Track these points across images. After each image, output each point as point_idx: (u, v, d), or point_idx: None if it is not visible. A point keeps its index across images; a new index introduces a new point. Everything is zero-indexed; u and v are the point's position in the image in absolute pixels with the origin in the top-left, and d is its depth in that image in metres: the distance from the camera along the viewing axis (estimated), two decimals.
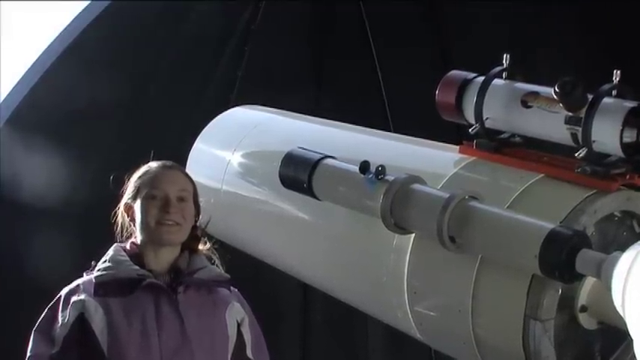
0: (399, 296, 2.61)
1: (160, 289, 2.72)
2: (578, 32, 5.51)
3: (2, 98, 5.29)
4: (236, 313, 2.85)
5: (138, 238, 2.81)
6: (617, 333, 2.21)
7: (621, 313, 1.93)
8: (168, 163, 2.90)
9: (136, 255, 2.78)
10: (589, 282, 2.25)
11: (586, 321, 2.29)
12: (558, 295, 2.24)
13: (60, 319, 2.66)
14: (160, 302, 2.70)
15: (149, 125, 5.59)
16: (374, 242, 2.71)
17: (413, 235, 2.54)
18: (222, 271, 2.89)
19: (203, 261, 2.85)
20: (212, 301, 2.81)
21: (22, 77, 5.34)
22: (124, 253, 2.78)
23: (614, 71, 2.31)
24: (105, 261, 2.77)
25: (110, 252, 2.80)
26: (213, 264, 2.90)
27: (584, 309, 2.28)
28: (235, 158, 3.40)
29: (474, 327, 2.40)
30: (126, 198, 2.85)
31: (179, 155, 3.64)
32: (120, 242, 2.86)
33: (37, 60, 5.36)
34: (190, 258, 2.83)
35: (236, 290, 2.91)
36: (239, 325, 2.85)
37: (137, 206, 2.80)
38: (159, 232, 2.75)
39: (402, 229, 2.47)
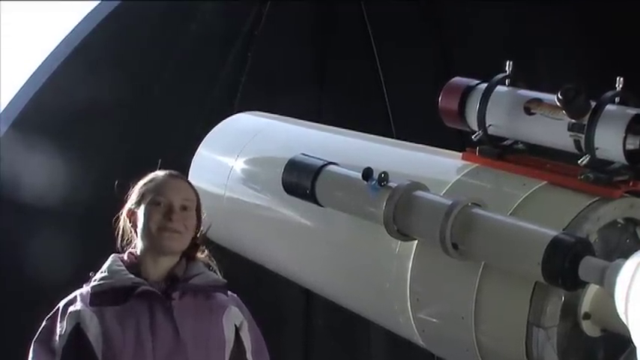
0: (402, 303, 2.61)
1: (154, 297, 2.72)
2: (579, 33, 5.51)
3: (9, 100, 5.31)
4: (234, 317, 2.85)
5: (137, 246, 2.82)
6: (620, 340, 2.20)
7: (624, 321, 1.93)
8: (174, 172, 2.92)
9: (134, 265, 2.79)
10: (592, 289, 2.24)
11: (589, 328, 2.28)
12: (561, 302, 2.24)
13: (58, 330, 2.68)
14: (155, 309, 2.71)
15: (153, 128, 5.60)
16: (377, 249, 2.71)
17: (416, 241, 2.53)
18: (219, 277, 2.90)
19: (200, 267, 2.86)
20: (209, 307, 2.81)
21: (29, 79, 5.36)
22: (120, 263, 2.79)
23: (617, 78, 2.32)
24: (102, 271, 2.78)
25: (107, 262, 2.81)
26: (210, 270, 2.91)
27: (587, 316, 2.27)
28: (238, 164, 3.40)
29: (477, 334, 2.39)
30: (129, 204, 2.86)
31: (182, 160, 3.66)
32: (118, 252, 2.87)
33: (44, 61, 5.38)
34: (187, 265, 2.83)
35: (234, 295, 2.91)
36: (238, 330, 2.85)
37: (140, 212, 2.81)
38: (160, 239, 2.76)
39: (404, 235, 2.47)
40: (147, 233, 2.78)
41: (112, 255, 2.84)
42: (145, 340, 2.67)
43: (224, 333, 2.81)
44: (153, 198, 2.79)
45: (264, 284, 4.52)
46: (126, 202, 2.87)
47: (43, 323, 2.73)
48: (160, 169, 2.93)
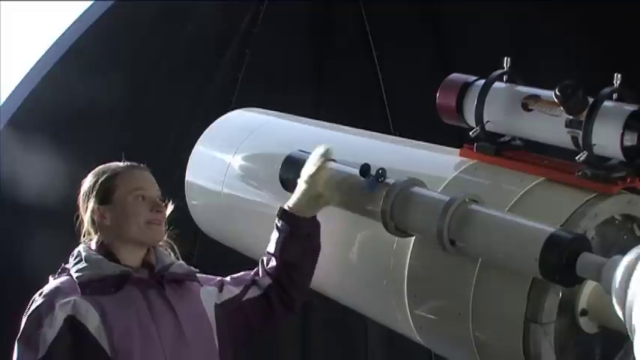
0: (399, 299, 2.60)
1: (145, 284, 2.70)
2: (579, 33, 5.51)
3: (4, 99, 5.31)
4: (209, 295, 2.83)
5: (105, 239, 2.75)
6: (617, 337, 2.21)
7: (621, 317, 1.93)
8: (136, 163, 2.88)
9: (108, 254, 2.72)
10: (589, 285, 2.24)
11: (586, 324, 2.29)
12: (559, 298, 2.24)
13: (45, 322, 2.56)
14: (149, 296, 2.69)
15: (150, 126, 5.60)
16: (374, 245, 2.71)
17: (413, 238, 2.53)
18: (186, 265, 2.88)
19: (169, 256, 2.85)
20: (188, 292, 2.80)
21: (25, 78, 5.35)
22: (96, 253, 2.72)
23: (615, 75, 2.31)
24: (80, 261, 2.70)
25: (82, 252, 2.72)
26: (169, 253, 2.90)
27: (584, 312, 2.27)
28: (236, 161, 3.39)
29: (475, 330, 2.39)
30: (94, 199, 2.79)
31: (179, 157, 3.66)
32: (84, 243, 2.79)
33: (39, 60, 5.37)
34: (156, 253, 2.81)
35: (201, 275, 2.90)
36: (220, 293, 2.85)
37: (118, 207, 2.74)
38: (150, 232, 2.73)
39: (402, 232, 2.48)
40: (130, 227, 2.72)
41: (81, 245, 2.77)
42: (149, 326, 2.64)
43: (207, 314, 2.80)
44: (136, 192, 2.75)
45: None
46: (85, 196, 2.81)
47: (24, 320, 2.62)
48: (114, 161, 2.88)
